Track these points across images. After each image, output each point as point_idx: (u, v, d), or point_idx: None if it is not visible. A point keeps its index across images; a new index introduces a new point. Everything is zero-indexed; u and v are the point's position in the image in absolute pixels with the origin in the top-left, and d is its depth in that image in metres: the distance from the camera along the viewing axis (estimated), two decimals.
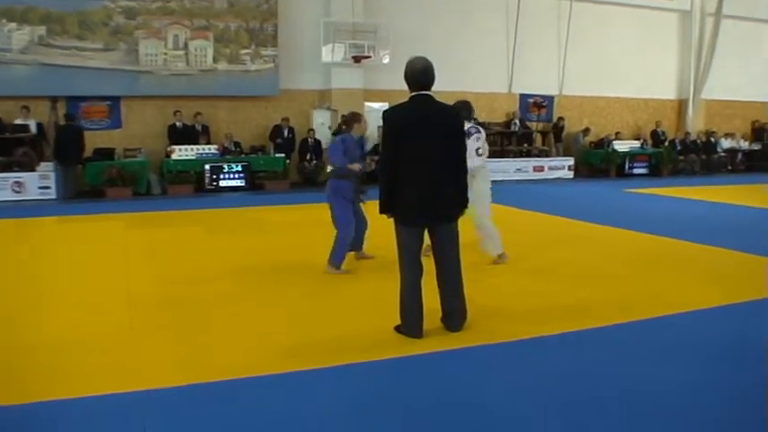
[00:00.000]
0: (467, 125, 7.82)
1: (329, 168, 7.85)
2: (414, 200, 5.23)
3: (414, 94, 5.31)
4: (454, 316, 5.49)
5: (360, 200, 7.91)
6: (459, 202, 5.45)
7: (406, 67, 5.35)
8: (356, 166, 7.65)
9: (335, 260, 7.69)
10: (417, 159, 5.19)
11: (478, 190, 7.88)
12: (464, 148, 5.51)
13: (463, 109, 7.80)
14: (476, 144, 7.92)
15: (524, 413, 4.08)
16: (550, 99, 21.52)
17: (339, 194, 7.71)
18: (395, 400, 4.25)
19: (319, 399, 4.23)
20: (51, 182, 15.40)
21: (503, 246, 8.21)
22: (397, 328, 5.44)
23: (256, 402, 4.19)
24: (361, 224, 8.04)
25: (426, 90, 5.29)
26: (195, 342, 5.34)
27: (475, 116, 8.15)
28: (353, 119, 7.88)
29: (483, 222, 8.07)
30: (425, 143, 5.19)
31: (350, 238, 7.75)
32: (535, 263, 8.36)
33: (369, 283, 7.31)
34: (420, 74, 5.28)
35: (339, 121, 16.96)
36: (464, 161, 5.46)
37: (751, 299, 6.58)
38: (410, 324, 5.34)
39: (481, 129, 8.21)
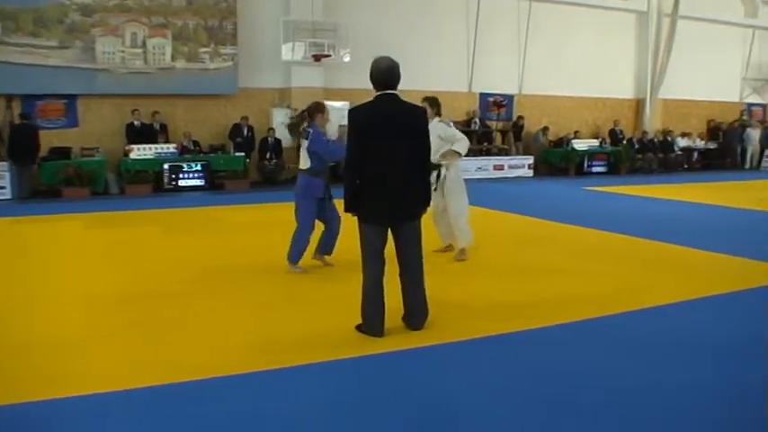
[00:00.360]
0: (438, 120, 8.04)
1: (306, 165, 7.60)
2: (378, 199, 5.25)
3: (379, 93, 5.33)
4: (415, 314, 5.51)
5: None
6: (423, 200, 5.49)
7: (372, 66, 5.36)
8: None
9: (292, 256, 7.61)
10: (382, 158, 5.21)
11: (459, 181, 8.28)
12: (428, 147, 5.53)
13: (433, 105, 8.00)
14: (458, 133, 8.23)
15: (484, 412, 4.08)
16: (510, 98, 21.68)
17: (309, 194, 7.55)
18: (357, 400, 4.24)
19: (282, 399, 4.21)
20: (6, 182, 15.15)
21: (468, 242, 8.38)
22: (359, 328, 5.44)
23: (224, 403, 4.15)
24: (334, 224, 7.80)
25: (392, 89, 5.32)
26: (159, 342, 5.29)
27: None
28: (317, 108, 7.57)
29: (464, 213, 8.32)
30: (390, 142, 5.22)
31: (308, 235, 7.62)
32: (497, 260, 8.43)
33: (331, 282, 7.29)
34: (385, 73, 5.31)
35: (292, 115, 16.91)
36: (428, 160, 5.53)
37: (714, 293, 6.75)
38: (372, 323, 5.35)
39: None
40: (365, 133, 5.24)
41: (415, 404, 4.16)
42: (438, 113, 8.07)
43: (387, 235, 5.41)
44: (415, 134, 5.34)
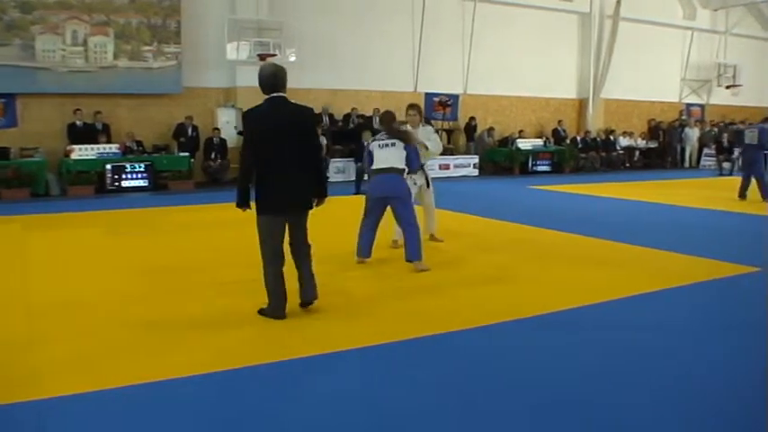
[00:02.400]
0: (422, 125, 9.08)
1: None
2: (276, 191, 5.69)
3: (268, 96, 5.75)
4: (308, 297, 6.02)
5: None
6: (316, 193, 5.97)
7: (258, 73, 5.83)
8: None
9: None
10: (275, 156, 5.66)
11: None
12: (316, 145, 6.10)
13: (421, 112, 9.04)
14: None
15: (423, 413, 4.11)
16: (455, 98, 21.77)
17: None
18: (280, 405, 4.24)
19: (203, 407, 4.19)
20: None
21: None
22: (262, 311, 5.86)
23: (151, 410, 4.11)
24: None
25: (279, 92, 5.75)
26: (100, 347, 5.18)
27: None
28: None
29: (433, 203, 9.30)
30: (281, 141, 5.67)
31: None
32: (445, 258, 8.46)
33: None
34: (268, 78, 5.74)
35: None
36: (318, 158, 6.13)
37: (657, 289, 6.89)
38: (275, 307, 5.80)
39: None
40: (258, 133, 5.69)
41: (350, 406, 4.18)
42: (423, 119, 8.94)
43: (284, 228, 5.84)
44: (303, 133, 5.81)
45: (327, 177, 6.15)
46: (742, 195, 14.75)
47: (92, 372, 4.65)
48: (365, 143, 8.27)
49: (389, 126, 8.02)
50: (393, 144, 7.76)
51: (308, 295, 6.01)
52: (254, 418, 3.96)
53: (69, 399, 4.19)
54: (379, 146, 7.82)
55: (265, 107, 5.75)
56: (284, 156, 5.66)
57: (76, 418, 3.96)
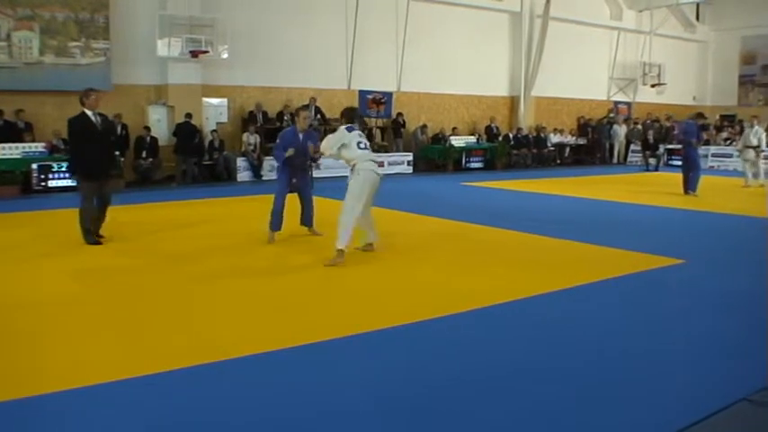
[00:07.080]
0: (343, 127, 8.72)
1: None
2: (91, 166, 9.12)
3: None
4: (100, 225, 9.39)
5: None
6: (113, 168, 9.84)
7: None
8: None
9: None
10: (92, 144, 9.09)
11: (352, 179, 8.47)
12: (113, 141, 9.96)
13: (342, 116, 8.91)
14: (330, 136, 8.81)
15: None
16: (389, 95, 21.79)
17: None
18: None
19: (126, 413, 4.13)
20: None
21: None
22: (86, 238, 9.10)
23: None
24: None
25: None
26: (27, 352, 5.06)
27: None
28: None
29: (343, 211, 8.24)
30: (97, 136, 9.19)
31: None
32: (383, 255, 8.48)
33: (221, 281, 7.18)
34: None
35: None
36: (113, 147, 10.16)
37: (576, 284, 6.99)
38: (88, 234, 9.09)
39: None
40: (83, 129, 9.18)
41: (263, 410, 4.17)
42: (349, 121, 8.58)
43: (97, 189, 9.02)
44: (108, 133, 9.64)
45: (122, 160, 10.18)
46: (692, 190, 15.14)
47: (25, 376, 4.55)
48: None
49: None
50: None
51: (99, 228, 9.34)
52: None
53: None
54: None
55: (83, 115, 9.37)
56: (97, 145, 9.14)
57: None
